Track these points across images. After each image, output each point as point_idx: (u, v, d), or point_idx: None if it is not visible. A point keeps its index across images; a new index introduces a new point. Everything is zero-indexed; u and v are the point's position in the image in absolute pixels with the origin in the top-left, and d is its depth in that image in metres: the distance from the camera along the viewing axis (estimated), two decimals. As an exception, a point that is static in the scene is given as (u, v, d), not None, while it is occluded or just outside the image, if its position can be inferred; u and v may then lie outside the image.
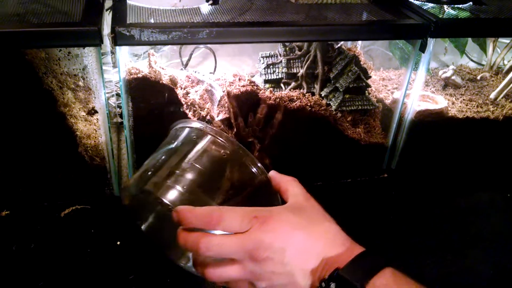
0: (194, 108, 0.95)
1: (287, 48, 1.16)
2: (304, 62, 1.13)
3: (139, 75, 0.84)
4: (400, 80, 1.15)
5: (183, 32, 0.79)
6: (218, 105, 0.95)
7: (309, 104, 1.00)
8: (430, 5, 1.02)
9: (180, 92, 0.91)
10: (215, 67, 1.23)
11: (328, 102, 1.11)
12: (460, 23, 0.94)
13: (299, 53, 1.15)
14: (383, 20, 0.93)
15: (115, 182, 0.95)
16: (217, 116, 0.94)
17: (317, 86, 1.14)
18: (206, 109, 0.96)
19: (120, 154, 1.09)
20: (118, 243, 0.88)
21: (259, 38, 0.84)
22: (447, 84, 1.24)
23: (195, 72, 1.00)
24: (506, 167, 1.18)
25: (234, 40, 0.83)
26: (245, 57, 1.34)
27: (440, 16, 0.96)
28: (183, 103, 0.91)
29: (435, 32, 0.91)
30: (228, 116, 0.93)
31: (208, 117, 0.96)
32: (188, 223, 0.51)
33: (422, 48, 0.95)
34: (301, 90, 1.12)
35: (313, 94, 1.13)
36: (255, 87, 0.95)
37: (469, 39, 1.22)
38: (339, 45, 1.14)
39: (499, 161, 1.18)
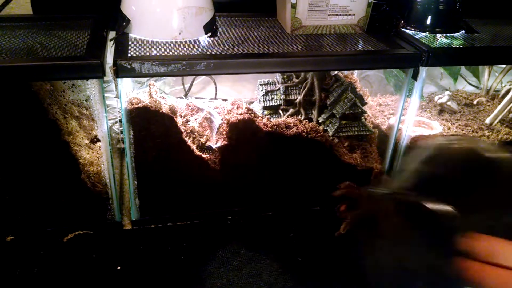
0: (194, 136, 0.98)
1: (285, 76, 1.19)
2: (301, 89, 1.16)
3: (140, 105, 0.88)
4: (396, 106, 1.18)
5: (181, 65, 0.82)
6: (217, 133, 0.98)
7: (305, 130, 1.02)
8: (423, 34, 1.05)
9: (179, 120, 0.94)
10: (216, 94, 1.27)
11: (325, 128, 1.14)
12: (450, 52, 0.97)
13: (297, 80, 1.18)
14: (376, 50, 0.96)
15: (117, 208, 0.98)
16: (216, 143, 0.97)
17: (314, 113, 1.17)
18: (205, 136, 0.99)
19: (123, 180, 1.12)
20: (119, 268, 0.90)
21: (255, 69, 0.87)
22: (443, 109, 1.26)
23: (195, 100, 1.03)
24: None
25: (231, 71, 0.86)
26: (245, 82, 1.38)
27: (433, 45, 0.99)
28: (183, 131, 0.94)
29: (426, 61, 0.94)
30: (227, 143, 0.96)
31: (207, 144, 0.99)
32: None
33: (415, 76, 0.98)
34: (299, 117, 1.15)
35: (310, 120, 1.16)
36: (253, 115, 0.98)
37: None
38: (335, 72, 1.18)
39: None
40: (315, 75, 1.15)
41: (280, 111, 1.17)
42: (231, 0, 1.18)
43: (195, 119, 0.99)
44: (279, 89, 1.18)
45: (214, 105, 1.06)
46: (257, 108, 1.18)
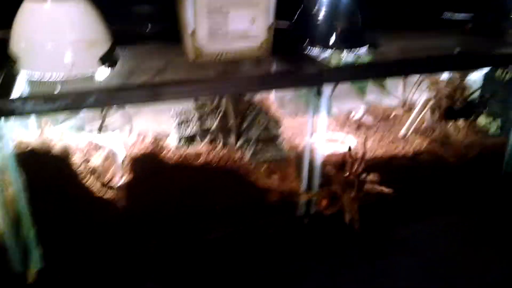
0: (96, 174, 0.93)
1: (199, 104, 1.17)
2: (216, 116, 1.14)
3: (29, 148, 0.82)
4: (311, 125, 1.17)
5: (69, 100, 0.78)
6: (121, 168, 0.94)
7: (216, 158, 1.00)
8: (329, 52, 1.07)
9: (78, 160, 0.89)
10: (131, 127, 1.22)
11: (242, 154, 1.12)
12: (349, 68, 0.98)
13: (211, 107, 1.16)
14: (278, 72, 0.96)
15: (17, 259, 0.90)
16: (120, 180, 0.93)
17: (232, 139, 1.15)
18: (109, 174, 0.94)
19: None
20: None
21: (150, 99, 0.84)
22: (360, 124, 1.27)
23: (100, 135, 0.99)
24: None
25: (125, 102, 0.83)
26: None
27: (336, 62, 1.00)
28: (83, 170, 0.89)
29: (327, 79, 0.94)
30: (131, 178, 0.91)
31: (112, 181, 0.94)
32: None
33: (319, 93, 0.98)
34: (216, 144, 1.12)
35: (229, 147, 1.14)
36: (159, 146, 0.94)
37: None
38: (250, 96, 1.17)
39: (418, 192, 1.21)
40: (229, 101, 1.14)
41: (197, 140, 1.14)
42: (137, 30, 1.16)
43: (98, 156, 0.94)
44: (193, 117, 1.15)
45: (120, 139, 1.01)
46: (174, 137, 1.15)
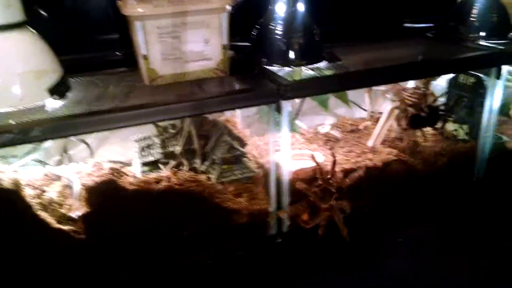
0: (53, 207, 0.89)
1: (160, 128, 1.15)
2: (179, 139, 1.12)
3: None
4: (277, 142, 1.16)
5: (14, 134, 0.75)
6: (78, 200, 0.90)
7: (178, 182, 0.97)
8: (288, 69, 1.05)
9: (30, 193, 0.85)
10: (92, 155, 1.20)
11: (208, 176, 1.09)
12: (304, 83, 0.97)
13: (173, 131, 1.14)
14: (235, 90, 0.94)
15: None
16: (76, 212, 0.89)
17: (198, 161, 1.13)
18: (65, 206, 0.91)
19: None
20: None
21: (100, 127, 0.82)
22: (328, 139, 1.26)
23: (54, 167, 0.96)
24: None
25: (74, 132, 0.80)
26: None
27: (294, 78, 0.99)
28: (36, 203, 0.85)
29: (284, 95, 0.93)
30: (88, 210, 0.88)
31: (69, 213, 0.90)
32: None
33: (278, 110, 0.97)
34: (181, 167, 1.10)
35: (195, 170, 1.11)
36: (116, 174, 0.92)
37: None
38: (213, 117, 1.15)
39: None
40: (191, 123, 1.12)
41: (161, 165, 1.11)
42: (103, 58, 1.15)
43: (54, 188, 0.91)
44: (154, 143, 1.13)
45: (76, 170, 0.98)
46: (138, 165, 1.12)
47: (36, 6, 1.06)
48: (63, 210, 0.89)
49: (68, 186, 0.93)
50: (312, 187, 1.02)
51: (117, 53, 1.15)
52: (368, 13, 1.43)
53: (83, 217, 0.88)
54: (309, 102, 1.42)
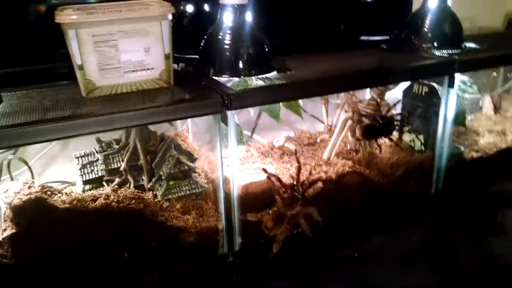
0: (-24, 230, 0.82)
1: (103, 144, 1.09)
2: (123, 155, 1.06)
3: None
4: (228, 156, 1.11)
5: None
6: (4, 221, 0.83)
7: (117, 200, 0.90)
8: (236, 79, 1.02)
9: None
10: (31, 172, 1.12)
11: (155, 193, 1.03)
12: (249, 93, 0.93)
13: (118, 146, 1.08)
14: (178, 100, 0.90)
15: None
16: (3, 234, 0.82)
17: (144, 178, 1.07)
18: (-8, 228, 0.83)
19: None
20: None
21: (25, 140, 0.76)
22: (283, 152, 1.22)
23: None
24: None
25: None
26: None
27: (241, 88, 0.95)
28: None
29: (229, 105, 0.89)
30: (15, 231, 0.81)
31: (-4, 236, 0.83)
32: None
33: (225, 121, 0.93)
34: (126, 184, 1.04)
35: (142, 187, 1.05)
36: (48, 193, 0.85)
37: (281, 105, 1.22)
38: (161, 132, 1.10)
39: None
40: (137, 137, 1.06)
41: (105, 183, 1.05)
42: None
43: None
44: (97, 159, 1.07)
45: (3, 189, 0.91)
46: (79, 183, 1.05)
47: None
48: (-13, 233, 0.82)
49: (-6, 207, 0.86)
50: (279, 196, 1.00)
51: (60, 65, 1.09)
52: (325, 26, 1.43)
53: (9, 239, 0.81)
54: (267, 116, 1.39)
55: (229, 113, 0.92)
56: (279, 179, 0.99)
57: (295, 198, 0.99)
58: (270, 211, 1.00)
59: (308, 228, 1.03)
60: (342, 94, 1.30)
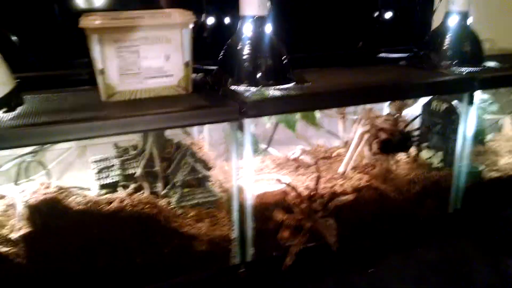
0: (-7, 227, 0.83)
1: (120, 149, 1.10)
2: (140, 161, 1.07)
3: None
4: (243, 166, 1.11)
5: None
6: (20, 219, 0.84)
7: (131, 204, 0.91)
8: (253, 89, 1.02)
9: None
10: (48, 174, 1.14)
11: (169, 200, 1.03)
12: (266, 102, 0.93)
13: (134, 152, 1.09)
14: (195, 106, 0.90)
15: None
16: (17, 232, 0.82)
17: (159, 185, 1.07)
18: (8, 226, 0.84)
19: None
20: None
21: (47, 139, 0.77)
22: (298, 164, 1.22)
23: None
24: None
25: (15, 144, 0.75)
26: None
27: (260, 97, 0.95)
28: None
29: (246, 113, 0.89)
30: (30, 230, 0.81)
31: (11, 234, 0.84)
32: None
33: (241, 129, 0.93)
34: (141, 190, 1.04)
35: (157, 193, 1.05)
36: (64, 194, 0.86)
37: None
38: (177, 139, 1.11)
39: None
40: (153, 144, 1.07)
41: (120, 188, 1.06)
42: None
43: (-5, 208, 0.84)
44: (114, 164, 1.08)
45: (21, 189, 0.92)
46: (96, 187, 1.06)
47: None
48: (4, 231, 0.83)
49: (13, 205, 0.87)
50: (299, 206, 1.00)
51: (80, 72, 1.12)
52: (344, 42, 1.43)
53: (24, 238, 0.81)
54: (284, 130, 1.39)
55: (246, 121, 0.92)
56: (295, 189, 0.99)
57: (313, 209, 0.98)
58: (292, 216, 0.99)
59: (334, 241, 1.01)
60: (359, 110, 1.30)
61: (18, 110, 0.87)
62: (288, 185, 0.98)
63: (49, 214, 0.82)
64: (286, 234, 1.00)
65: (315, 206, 1.00)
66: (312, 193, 1.01)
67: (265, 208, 1.03)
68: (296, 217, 1.00)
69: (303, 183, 1.13)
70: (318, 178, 1.00)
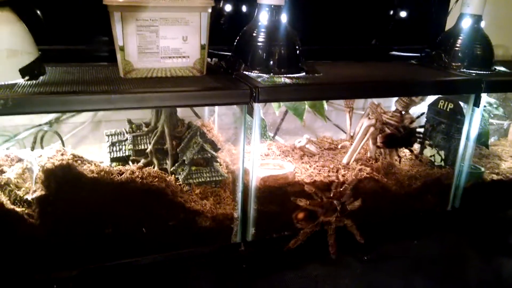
0: (10, 188, 0.87)
1: (133, 125, 1.14)
2: (151, 138, 1.11)
3: None
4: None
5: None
6: (35, 183, 0.89)
7: (141, 176, 0.95)
8: (266, 76, 1.06)
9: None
10: (63, 144, 1.19)
11: (177, 177, 1.08)
12: (277, 88, 0.96)
13: (146, 129, 1.13)
14: (208, 87, 0.94)
15: None
16: (33, 194, 0.87)
17: (168, 162, 1.11)
18: (24, 188, 0.89)
19: None
20: None
21: (64, 107, 0.82)
22: (304, 153, 1.25)
23: (18, 149, 0.94)
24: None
25: (36, 109, 0.80)
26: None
27: (271, 83, 0.99)
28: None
29: (256, 97, 0.93)
30: (44, 193, 0.86)
31: (26, 196, 0.88)
32: None
33: (251, 113, 0.96)
34: (152, 166, 1.08)
35: (165, 170, 1.09)
36: (79, 161, 0.90)
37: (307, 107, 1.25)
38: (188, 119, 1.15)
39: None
40: (166, 122, 1.11)
41: (130, 162, 1.10)
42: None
43: (13, 170, 0.89)
44: (126, 139, 1.12)
45: (38, 154, 0.97)
46: (107, 160, 1.11)
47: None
48: (19, 192, 0.87)
49: (29, 169, 0.91)
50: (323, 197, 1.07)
51: (102, 48, 1.16)
52: (357, 37, 1.46)
53: (38, 199, 0.86)
54: (291, 121, 1.43)
55: (256, 105, 0.96)
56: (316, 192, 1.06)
57: (333, 208, 1.05)
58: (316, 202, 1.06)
59: (358, 233, 1.10)
60: (367, 105, 1.33)
61: (40, 79, 0.91)
62: (310, 189, 1.04)
63: (63, 179, 0.86)
64: (301, 216, 1.05)
65: (335, 204, 1.06)
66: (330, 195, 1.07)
67: (268, 191, 1.07)
68: (316, 209, 1.06)
69: (307, 170, 1.17)
70: (337, 184, 1.07)
